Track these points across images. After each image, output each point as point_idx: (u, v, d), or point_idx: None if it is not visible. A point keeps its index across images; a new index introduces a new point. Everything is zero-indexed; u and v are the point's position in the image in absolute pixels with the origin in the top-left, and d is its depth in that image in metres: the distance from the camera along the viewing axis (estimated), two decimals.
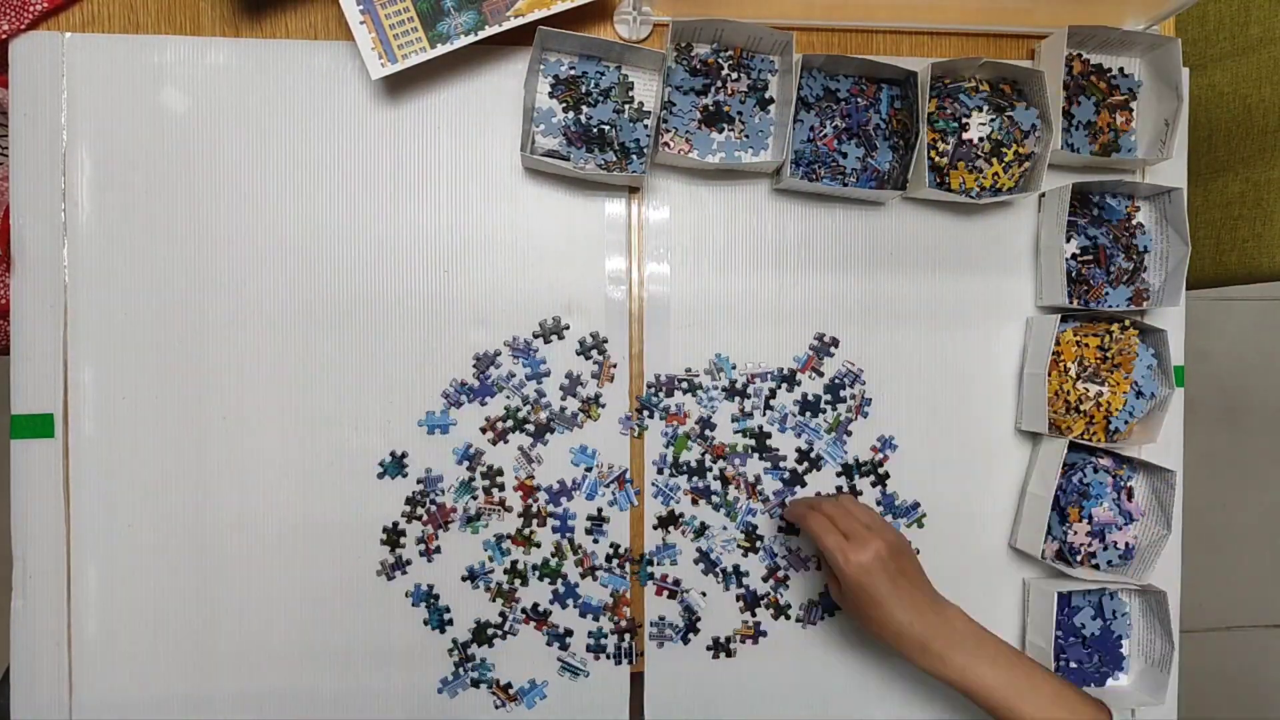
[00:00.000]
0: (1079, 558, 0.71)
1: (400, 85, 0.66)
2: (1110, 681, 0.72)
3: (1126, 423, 0.70)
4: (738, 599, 0.71)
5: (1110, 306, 0.71)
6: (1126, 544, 0.71)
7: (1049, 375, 0.69)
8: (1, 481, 0.66)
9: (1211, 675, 1.62)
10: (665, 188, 0.70)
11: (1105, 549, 0.70)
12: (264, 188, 0.66)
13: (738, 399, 0.70)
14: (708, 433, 0.70)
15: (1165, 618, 0.70)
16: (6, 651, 0.65)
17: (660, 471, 0.70)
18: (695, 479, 0.70)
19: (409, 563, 0.68)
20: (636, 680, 0.70)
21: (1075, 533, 0.70)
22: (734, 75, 0.68)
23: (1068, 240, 0.71)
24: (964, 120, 0.68)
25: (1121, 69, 0.73)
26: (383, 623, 0.68)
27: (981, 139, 0.68)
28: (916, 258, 0.72)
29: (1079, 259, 0.71)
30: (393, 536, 0.67)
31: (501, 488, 0.68)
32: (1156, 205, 0.72)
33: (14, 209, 0.64)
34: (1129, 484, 0.72)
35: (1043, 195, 0.71)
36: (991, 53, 0.72)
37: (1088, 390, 0.70)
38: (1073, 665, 0.72)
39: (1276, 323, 1.68)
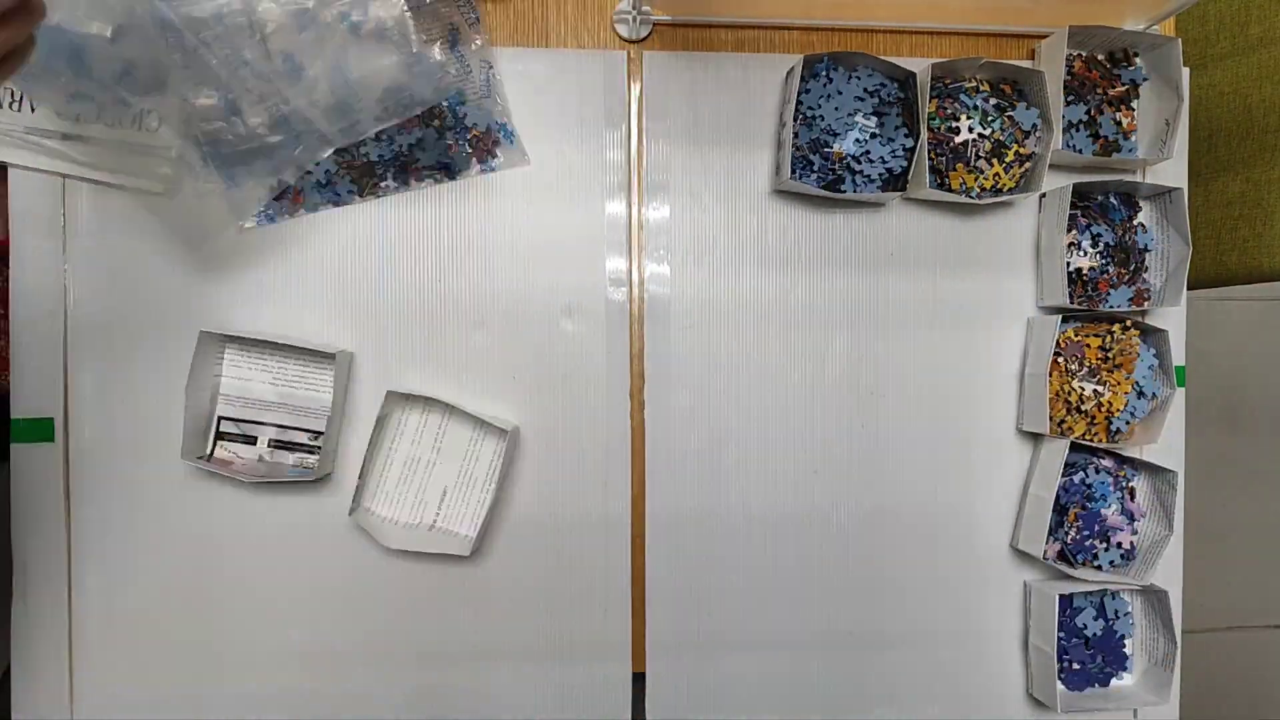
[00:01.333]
0: (1081, 557, 0.71)
1: None
2: (1114, 681, 0.72)
3: (1128, 423, 0.70)
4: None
5: (1111, 306, 0.71)
6: (1130, 544, 0.71)
7: (1050, 376, 0.69)
8: (2, 485, 0.66)
9: (1213, 675, 1.62)
10: (665, 187, 0.70)
11: (1107, 549, 0.70)
12: None
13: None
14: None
15: (1167, 617, 0.70)
16: (8, 652, 0.65)
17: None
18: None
19: None
20: (637, 680, 0.70)
21: (1070, 533, 0.70)
22: None
23: (1081, 248, 0.71)
24: (954, 125, 0.68)
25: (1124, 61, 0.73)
26: (383, 623, 0.68)
27: (980, 137, 0.68)
28: (917, 258, 0.72)
29: (1087, 257, 0.71)
30: None
31: None
32: (1157, 205, 0.72)
33: (13, 209, 0.64)
34: (1131, 484, 0.72)
35: (1043, 195, 0.71)
36: (991, 53, 0.72)
37: (1084, 388, 0.70)
38: (1075, 666, 0.72)
39: (1277, 323, 1.67)
